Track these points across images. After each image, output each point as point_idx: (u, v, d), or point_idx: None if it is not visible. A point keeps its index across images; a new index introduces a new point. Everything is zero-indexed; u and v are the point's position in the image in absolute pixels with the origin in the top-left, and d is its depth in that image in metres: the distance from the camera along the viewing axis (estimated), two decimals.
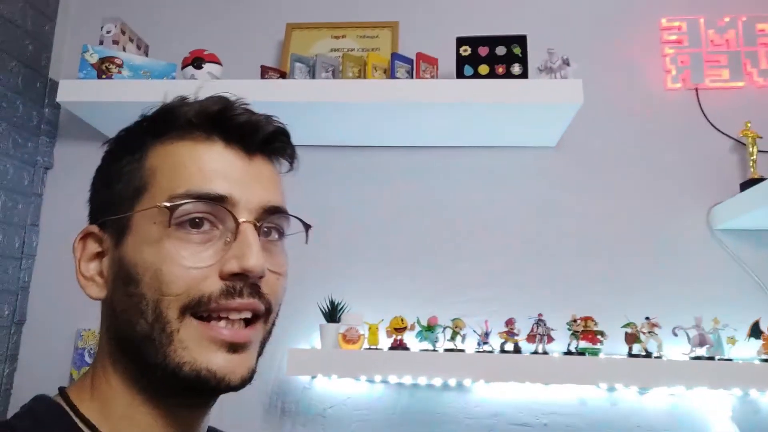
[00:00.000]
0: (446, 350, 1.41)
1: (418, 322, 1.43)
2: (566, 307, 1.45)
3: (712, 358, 1.35)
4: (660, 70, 1.69)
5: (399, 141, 1.66)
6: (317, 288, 1.51)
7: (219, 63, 1.54)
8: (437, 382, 1.48)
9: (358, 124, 1.56)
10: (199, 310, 0.51)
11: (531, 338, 1.41)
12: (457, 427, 1.48)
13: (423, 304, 1.53)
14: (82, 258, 0.57)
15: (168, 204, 0.52)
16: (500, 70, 1.49)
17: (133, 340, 0.52)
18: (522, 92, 1.43)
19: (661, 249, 1.56)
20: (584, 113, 1.49)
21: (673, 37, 1.70)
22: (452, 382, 1.47)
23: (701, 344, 1.36)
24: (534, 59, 1.49)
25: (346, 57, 1.56)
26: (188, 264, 0.51)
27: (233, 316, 0.53)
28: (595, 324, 1.40)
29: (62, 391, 0.56)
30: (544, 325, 1.41)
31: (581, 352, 1.38)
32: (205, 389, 0.52)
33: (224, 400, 0.58)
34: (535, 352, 1.40)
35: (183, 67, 1.53)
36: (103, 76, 1.50)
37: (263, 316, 0.55)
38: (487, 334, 1.42)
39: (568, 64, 1.44)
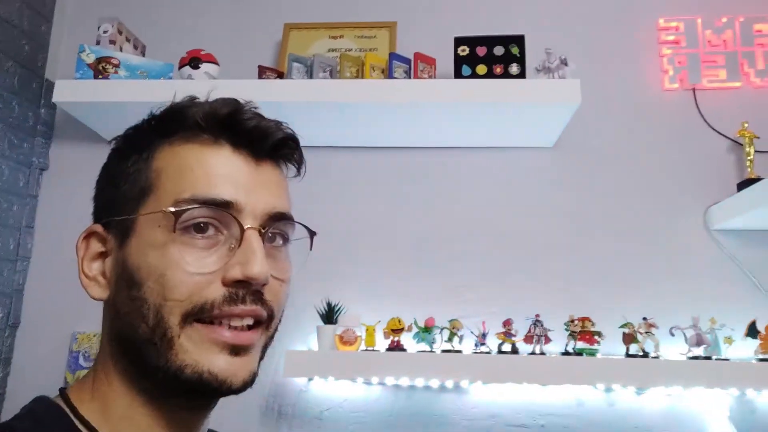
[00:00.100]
0: (443, 351, 1.41)
1: (416, 323, 1.43)
2: (563, 307, 1.45)
3: (709, 358, 1.35)
4: (657, 71, 1.69)
5: (396, 141, 1.65)
6: (314, 290, 1.51)
7: (216, 63, 1.54)
8: (434, 383, 1.47)
9: (355, 124, 1.56)
10: (202, 316, 0.51)
11: (528, 339, 1.41)
12: (455, 429, 1.48)
13: (420, 305, 1.53)
14: (85, 257, 0.57)
15: (173, 209, 0.52)
16: (498, 70, 1.48)
17: (135, 342, 0.52)
18: (520, 92, 1.43)
19: (658, 249, 1.56)
20: (582, 113, 1.49)
21: (671, 38, 1.70)
22: (449, 383, 1.47)
23: (698, 344, 1.36)
24: (532, 59, 1.49)
25: (343, 57, 1.56)
26: (192, 270, 0.51)
27: (235, 322, 0.52)
28: (593, 324, 1.40)
29: (62, 392, 0.56)
30: (542, 325, 1.41)
31: (579, 353, 1.38)
32: (206, 391, 0.52)
33: (221, 402, 0.58)
34: (533, 353, 1.40)
35: (180, 67, 1.52)
36: (100, 77, 1.49)
37: (265, 322, 0.55)
38: (484, 335, 1.42)
39: (566, 64, 1.44)
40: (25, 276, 1.65)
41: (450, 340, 1.41)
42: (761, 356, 1.36)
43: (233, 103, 0.56)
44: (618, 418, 1.46)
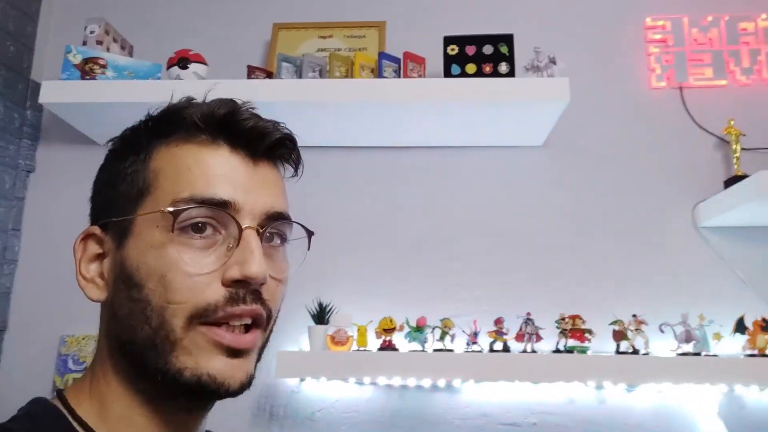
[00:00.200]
0: (435, 351, 1.41)
1: (407, 322, 1.43)
2: (554, 305, 1.46)
3: (698, 354, 1.36)
4: (645, 69, 1.70)
5: (386, 141, 1.65)
6: (305, 290, 1.50)
7: (205, 63, 1.53)
8: (426, 382, 1.47)
9: (345, 123, 1.56)
10: (206, 319, 0.51)
11: (520, 337, 1.42)
12: (447, 428, 1.48)
13: (411, 304, 1.53)
14: (83, 259, 0.56)
15: (171, 209, 0.52)
16: (487, 69, 1.49)
17: (135, 343, 0.52)
18: (509, 91, 1.44)
19: (647, 246, 1.57)
20: (571, 112, 1.50)
21: (658, 36, 1.71)
22: (441, 382, 1.47)
23: (687, 340, 1.37)
24: (521, 58, 1.49)
25: (333, 57, 1.56)
26: (192, 271, 0.51)
27: (234, 321, 0.52)
28: (583, 322, 1.41)
29: (60, 393, 0.56)
30: (533, 323, 1.42)
31: (570, 350, 1.39)
32: (204, 394, 0.52)
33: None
34: (524, 351, 1.40)
35: (168, 68, 1.51)
36: (87, 77, 1.48)
37: (264, 322, 0.55)
38: (476, 334, 1.42)
39: (554, 63, 1.45)
40: (12, 279, 1.63)
41: (442, 339, 1.41)
42: (749, 352, 1.38)
43: (231, 103, 0.56)
44: (609, 415, 1.47)
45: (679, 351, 1.38)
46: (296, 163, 0.61)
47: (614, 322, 1.41)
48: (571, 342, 1.39)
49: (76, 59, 1.49)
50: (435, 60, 1.55)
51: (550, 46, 1.51)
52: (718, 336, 1.39)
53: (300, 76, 1.54)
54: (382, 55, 1.54)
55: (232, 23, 1.80)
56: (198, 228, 0.52)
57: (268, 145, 0.57)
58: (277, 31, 1.75)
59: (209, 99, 0.57)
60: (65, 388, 0.57)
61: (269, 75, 1.54)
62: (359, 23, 1.75)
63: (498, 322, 1.43)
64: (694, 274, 1.54)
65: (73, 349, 1.56)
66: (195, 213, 0.52)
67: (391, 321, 1.43)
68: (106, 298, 0.55)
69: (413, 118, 1.52)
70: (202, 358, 0.51)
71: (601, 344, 1.42)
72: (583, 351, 1.38)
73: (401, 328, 1.43)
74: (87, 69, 1.48)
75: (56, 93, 1.46)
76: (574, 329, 1.40)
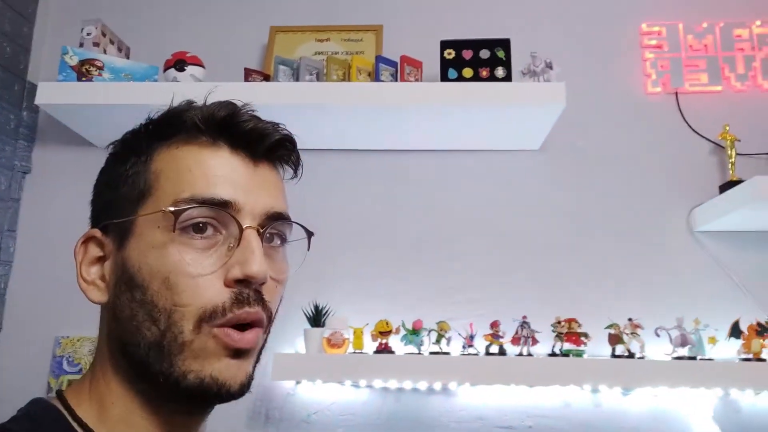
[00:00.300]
0: (431, 353, 1.41)
1: (403, 325, 1.43)
2: (550, 309, 1.46)
3: (693, 358, 1.37)
4: (640, 74, 1.71)
5: (383, 144, 1.66)
6: (301, 292, 1.50)
7: (202, 65, 1.53)
8: (422, 385, 1.47)
9: (342, 127, 1.56)
10: (216, 321, 0.51)
11: (515, 340, 1.42)
12: (443, 431, 1.48)
13: (408, 307, 1.53)
14: (84, 262, 0.57)
15: (172, 209, 0.52)
16: (484, 73, 1.49)
17: (138, 345, 0.52)
18: (506, 95, 1.44)
19: (642, 250, 1.58)
20: (567, 116, 1.51)
21: (653, 42, 1.72)
22: (437, 385, 1.47)
23: (683, 344, 1.38)
24: (517, 63, 1.50)
25: (330, 60, 1.56)
26: (194, 272, 0.51)
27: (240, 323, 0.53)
28: (579, 325, 1.41)
29: (60, 393, 0.56)
30: (529, 327, 1.42)
31: (565, 354, 1.39)
32: (207, 397, 0.52)
33: None
34: (520, 354, 1.40)
35: (165, 70, 1.51)
36: (83, 79, 1.48)
37: (264, 324, 0.55)
38: (471, 337, 1.42)
39: (551, 68, 1.45)
40: (7, 280, 1.62)
41: (438, 342, 1.41)
42: (744, 356, 1.38)
43: (231, 105, 0.56)
44: (604, 419, 1.47)
45: (675, 355, 1.38)
46: (296, 164, 0.61)
47: (610, 326, 1.41)
48: (567, 345, 1.40)
49: (73, 61, 1.49)
50: (432, 64, 1.55)
51: (546, 51, 1.51)
52: (713, 340, 1.39)
53: (297, 79, 1.54)
54: (379, 59, 1.54)
55: (229, 26, 1.81)
56: (199, 228, 0.53)
57: (268, 146, 0.57)
58: (275, 33, 1.75)
59: (208, 102, 0.58)
60: (65, 388, 0.57)
61: (266, 78, 1.54)
62: (356, 27, 1.75)
63: (494, 325, 1.43)
64: (690, 278, 1.55)
65: (68, 351, 1.55)
66: (196, 213, 0.52)
67: (387, 324, 1.43)
68: (107, 300, 0.55)
69: (410, 121, 1.52)
70: (207, 361, 0.51)
71: (597, 348, 1.42)
72: (579, 354, 1.39)
73: (397, 331, 1.43)
74: (83, 70, 1.48)
75: (52, 94, 1.46)
76: (570, 332, 1.40)
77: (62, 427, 0.52)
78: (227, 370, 0.52)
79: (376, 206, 1.64)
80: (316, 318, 1.47)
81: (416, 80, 1.55)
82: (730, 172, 1.54)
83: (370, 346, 1.43)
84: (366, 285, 1.58)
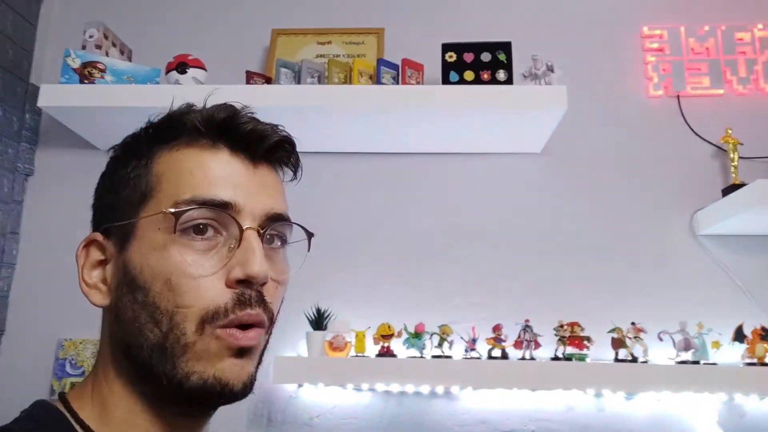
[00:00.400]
0: (433, 357, 1.40)
1: (405, 329, 1.43)
2: (553, 312, 1.46)
3: (697, 363, 1.36)
4: (642, 78, 1.71)
5: (384, 147, 1.66)
6: (303, 295, 1.50)
7: (204, 68, 1.53)
8: (425, 389, 1.47)
9: (343, 129, 1.56)
10: (219, 323, 0.51)
11: (518, 344, 1.41)
12: None
13: (410, 310, 1.53)
14: (85, 265, 0.57)
15: (173, 210, 0.52)
16: (485, 76, 1.49)
17: (141, 347, 0.52)
18: (507, 98, 1.44)
19: (645, 254, 1.57)
20: (569, 120, 1.51)
21: (655, 45, 1.72)
22: (440, 389, 1.47)
23: (686, 349, 1.37)
24: (519, 66, 1.50)
25: (331, 63, 1.56)
26: (195, 273, 0.52)
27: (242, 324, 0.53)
28: (582, 329, 1.40)
29: (62, 396, 0.56)
30: (531, 330, 1.42)
31: (568, 358, 1.38)
32: (210, 397, 0.52)
33: None
34: (523, 358, 1.40)
35: (167, 72, 1.51)
36: (86, 81, 1.48)
37: (265, 325, 0.55)
38: (474, 341, 1.41)
39: (552, 71, 1.45)
40: (10, 283, 1.62)
41: (440, 345, 1.41)
42: (748, 360, 1.38)
43: (230, 108, 0.57)
44: (607, 423, 1.46)
45: (678, 359, 1.38)
46: (295, 166, 0.62)
47: (613, 330, 1.40)
48: (570, 349, 1.39)
49: (75, 63, 1.49)
50: (433, 67, 1.55)
51: (548, 54, 1.51)
52: (717, 344, 1.38)
53: (299, 82, 1.54)
54: (380, 62, 1.55)
55: (231, 28, 1.81)
56: (199, 230, 0.53)
57: (267, 147, 0.58)
58: (276, 36, 1.76)
59: (209, 105, 0.58)
60: (68, 391, 0.57)
61: (268, 80, 1.55)
62: (358, 30, 1.75)
63: (496, 328, 1.42)
64: (693, 282, 1.54)
65: (71, 353, 1.55)
66: (196, 214, 0.53)
67: (389, 327, 1.43)
68: (109, 302, 0.56)
69: (411, 124, 1.52)
70: (210, 362, 0.51)
71: (600, 352, 1.42)
72: (582, 358, 1.38)
73: (399, 335, 1.42)
74: (86, 73, 1.48)
75: (55, 97, 1.46)
76: (572, 336, 1.40)
77: (64, 429, 0.52)
78: (230, 370, 0.52)
79: (378, 209, 1.64)
80: (318, 321, 1.46)
81: (417, 83, 1.55)
82: (733, 175, 1.53)
83: (372, 349, 1.43)
84: (368, 288, 1.58)
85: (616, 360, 1.39)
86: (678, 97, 1.68)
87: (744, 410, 1.45)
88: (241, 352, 0.53)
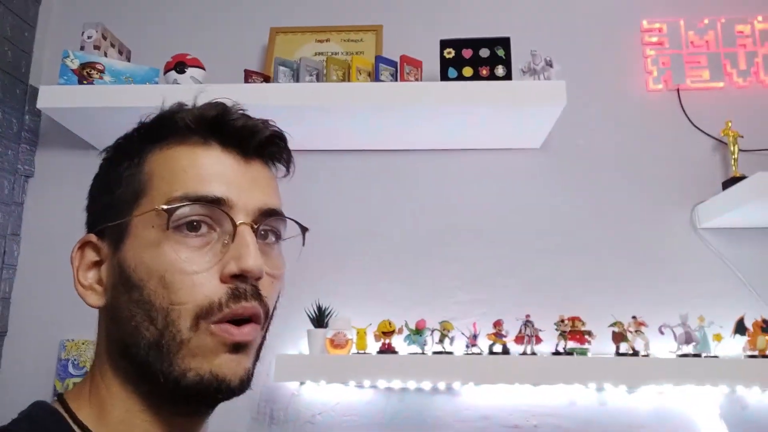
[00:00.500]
0: (435, 353, 1.40)
1: (406, 325, 1.43)
2: (553, 307, 1.46)
3: (698, 356, 1.36)
4: (642, 72, 1.71)
5: (383, 144, 1.66)
6: (304, 293, 1.50)
7: (202, 67, 1.53)
8: (426, 385, 1.47)
9: (342, 127, 1.56)
10: (213, 318, 0.51)
11: (519, 339, 1.41)
12: (447, 431, 1.47)
13: (411, 307, 1.53)
14: (80, 267, 0.57)
15: (165, 207, 0.52)
16: (484, 72, 1.49)
17: (138, 346, 0.52)
18: (506, 94, 1.44)
19: (646, 248, 1.57)
20: (568, 115, 1.50)
21: (654, 39, 1.72)
22: (441, 385, 1.47)
23: (687, 342, 1.37)
24: (518, 61, 1.50)
25: (330, 60, 1.56)
26: (189, 269, 0.52)
27: (237, 319, 0.53)
28: (583, 324, 1.40)
29: (60, 397, 0.56)
30: (532, 326, 1.42)
31: (569, 352, 1.39)
32: (207, 394, 0.52)
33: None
34: (524, 353, 1.40)
35: (165, 72, 1.51)
36: (85, 82, 1.48)
37: (261, 319, 0.55)
38: (475, 337, 1.42)
39: (551, 66, 1.45)
40: (12, 284, 1.63)
41: (441, 341, 1.41)
42: (749, 353, 1.38)
43: (221, 105, 0.57)
44: (610, 417, 1.46)
45: (680, 352, 1.38)
46: (287, 161, 0.61)
47: (614, 324, 1.41)
48: (571, 344, 1.39)
49: (74, 64, 1.49)
50: (432, 63, 1.55)
51: (546, 49, 1.51)
52: (718, 337, 1.38)
53: (297, 80, 1.54)
54: (378, 59, 1.54)
55: (229, 28, 1.81)
56: (193, 227, 0.53)
57: (259, 142, 0.58)
58: (275, 35, 1.76)
59: (199, 103, 0.58)
60: (66, 392, 0.57)
61: (266, 79, 1.55)
62: (356, 27, 1.75)
63: (497, 324, 1.43)
64: (694, 275, 1.54)
65: (73, 354, 1.55)
66: (189, 210, 0.53)
67: (390, 324, 1.43)
68: (105, 303, 0.56)
69: (410, 121, 1.52)
70: (206, 359, 0.51)
71: (601, 346, 1.42)
72: (583, 353, 1.38)
73: (400, 331, 1.42)
74: (85, 74, 1.49)
75: (54, 98, 1.47)
76: (573, 331, 1.40)
77: (63, 429, 0.52)
78: (226, 366, 0.52)
79: (377, 207, 1.64)
80: (319, 319, 1.47)
81: (416, 80, 1.55)
82: (733, 168, 1.53)
83: (373, 346, 1.43)
84: (368, 285, 1.58)
85: (618, 354, 1.39)
86: (678, 90, 1.68)
87: (746, 402, 1.45)
88: (237, 348, 0.53)
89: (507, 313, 1.45)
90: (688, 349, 1.37)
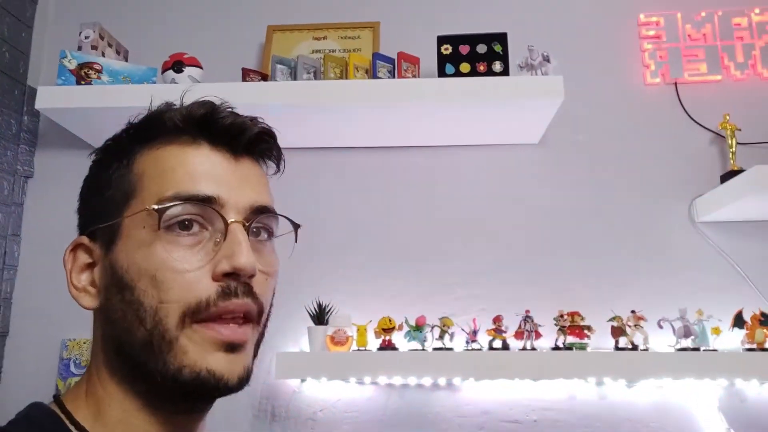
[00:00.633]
0: (435, 349, 1.41)
1: (406, 322, 1.43)
2: (553, 302, 1.46)
3: (697, 349, 1.37)
4: (639, 65, 1.71)
5: (382, 141, 1.66)
6: (304, 290, 1.51)
7: (200, 66, 1.53)
8: (427, 381, 1.48)
9: (340, 124, 1.56)
10: (200, 316, 0.51)
11: (519, 335, 1.42)
12: (448, 426, 1.48)
13: (410, 303, 1.53)
14: (73, 269, 0.57)
15: (157, 207, 0.52)
16: (481, 68, 1.49)
17: (132, 346, 0.52)
18: (504, 89, 1.44)
19: (644, 242, 1.57)
20: (566, 110, 1.50)
21: (651, 33, 1.72)
22: (441, 381, 1.47)
23: (686, 336, 1.38)
24: (515, 56, 1.50)
25: (327, 58, 1.56)
26: (181, 267, 0.52)
27: (227, 317, 0.53)
28: (582, 319, 1.41)
29: (57, 398, 0.56)
30: (532, 321, 1.42)
31: (569, 347, 1.39)
32: (205, 391, 0.52)
33: (213, 405, 0.58)
34: (524, 349, 1.41)
35: (163, 71, 1.51)
36: (82, 82, 1.48)
37: (256, 318, 0.55)
38: (475, 332, 1.42)
39: (548, 61, 1.45)
40: (13, 284, 1.63)
41: (441, 337, 1.42)
42: (748, 346, 1.38)
43: (209, 103, 0.57)
44: (610, 411, 1.47)
45: (678, 346, 1.38)
46: (278, 158, 0.61)
47: (613, 318, 1.41)
48: (570, 339, 1.40)
49: (72, 64, 1.49)
50: (429, 60, 1.55)
51: (543, 44, 1.51)
52: (717, 331, 1.39)
53: (294, 78, 1.54)
54: (376, 56, 1.54)
55: (226, 26, 1.81)
56: (185, 226, 0.53)
57: (248, 140, 0.58)
58: (272, 33, 1.75)
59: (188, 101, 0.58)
60: (63, 393, 0.57)
61: (264, 77, 1.55)
62: (353, 24, 1.75)
63: (497, 320, 1.43)
64: (692, 269, 1.54)
65: (75, 353, 1.56)
66: (180, 210, 0.53)
67: (390, 320, 1.43)
68: (99, 304, 0.56)
69: (408, 118, 1.52)
70: (199, 356, 0.51)
71: (600, 341, 1.43)
72: (583, 347, 1.39)
73: (400, 328, 1.43)
74: (82, 74, 1.49)
75: (52, 98, 1.47)
76: (573, 326, 1.40)
77: (60, 430, 0.52)
78: (223, 365, 0.52)
79: (376, 203, 1.65)
80: (320, 316, 1.47)
81: (414, 76, 1.55)
82: (731, 161, 1.53)
83: (373, 343, 1.44)
84: (368, 282, 1.58)
85: (617, 348, 1.39)
86: (675, 84, 1.68)
87: (745, 395, 1.45)
88: (233, 348, 0.53)
89: (506, 308, 1.45)
90: (687, 342, 1.38)
